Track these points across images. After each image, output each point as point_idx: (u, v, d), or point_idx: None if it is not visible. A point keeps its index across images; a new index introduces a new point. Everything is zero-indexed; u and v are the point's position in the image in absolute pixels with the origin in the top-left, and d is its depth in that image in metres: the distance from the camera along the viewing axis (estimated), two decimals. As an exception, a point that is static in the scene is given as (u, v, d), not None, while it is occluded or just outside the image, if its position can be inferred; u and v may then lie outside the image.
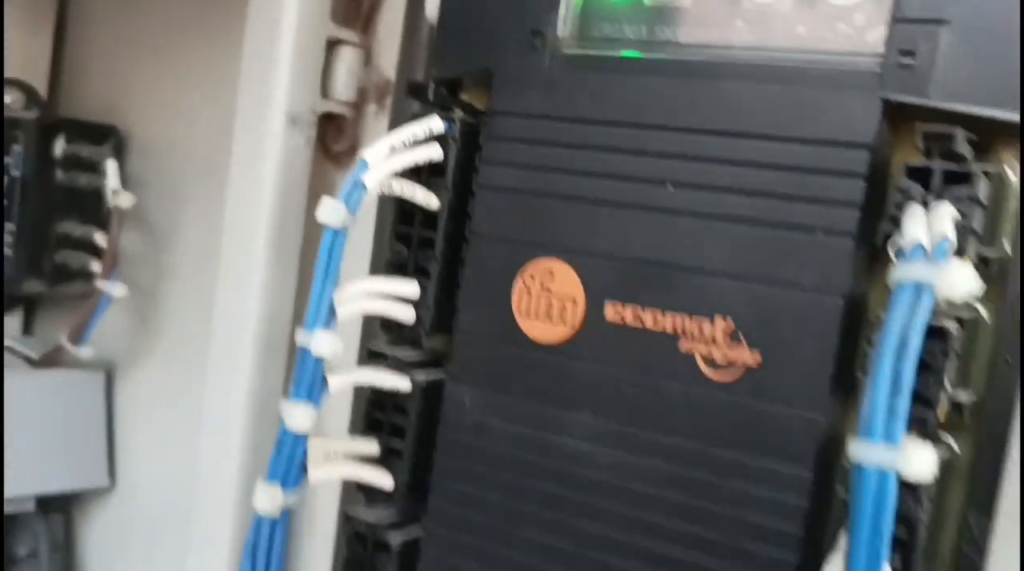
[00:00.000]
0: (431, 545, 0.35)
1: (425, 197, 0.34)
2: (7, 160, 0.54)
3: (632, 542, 0.31)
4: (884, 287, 0.28)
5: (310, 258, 0.47)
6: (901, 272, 0.25)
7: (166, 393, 0.57)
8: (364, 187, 0.31)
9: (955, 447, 0.31)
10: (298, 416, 0.31)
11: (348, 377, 0.33)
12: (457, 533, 0.34)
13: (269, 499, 0.31)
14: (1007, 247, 0.29)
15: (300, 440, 0.31)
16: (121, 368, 0.59)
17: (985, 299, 0.30)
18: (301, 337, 0.32)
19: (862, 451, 0.24)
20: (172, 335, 0.57)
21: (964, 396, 0.29)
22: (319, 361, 0.32)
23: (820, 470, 0.29)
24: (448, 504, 0.34)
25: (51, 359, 0.56)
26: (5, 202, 0.54)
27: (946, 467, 0.30)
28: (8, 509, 0.55)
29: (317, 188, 0.48)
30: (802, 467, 0.29)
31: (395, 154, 0.32)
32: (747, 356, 0.30)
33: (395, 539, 0.35)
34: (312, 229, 0.47)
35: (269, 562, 0.31)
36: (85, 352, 0.54)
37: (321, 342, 0.31)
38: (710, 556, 0.30)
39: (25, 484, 0.55)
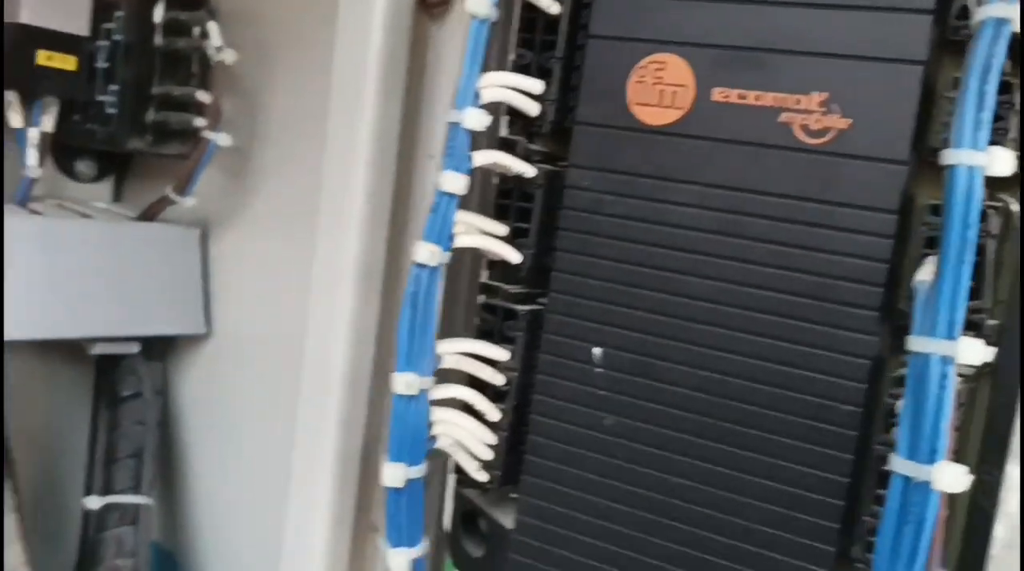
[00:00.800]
0: (554, 310, 0.40)
1: (548, 2, 0.39)
2: (109, 26, 0.59)
3: (734, 290, 0.37)
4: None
5: (412, 103, 0.52)
6: (982, 12, 0.30)
7: (258, 251, 0.62)
8: (503, -12, 0.36)
9: (1014, 205, 0.36)
10: (451, 181, 0.36)
11: (488, 155, 0.38)
12: (578, 298, 0.39)
13: (429, 254, 0.36)
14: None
15: (452, 202, 0.37)
16: (215, 228, 0.63)
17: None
18: (453, 115, 0.36)
19: (953, 156, 0.30)
20: (264, 196, 0.61)
21: None
22: (468, 135, 0.37)
23: (902, 215, 0.35)
24: (570, 274, 0.40)
25: (153, 211, 0.60)
26: (108, 64, 0.59)
27: (1006, 223, 0.36)
28: (113, 350, 0.60)
29: (415, 39, 0.52)
30: (887, 213, 0.35)
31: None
32: (839, 122, 0.35)
33: (522, 308, 0.41)
34: (414, 77, 0.52)
35: (427, 308, 0.36)
36: (189, 202, 0.59)
37: (471, 116, 0.36)
38: (803, 296, 0.36)
39: (129, 326, 0.60)
